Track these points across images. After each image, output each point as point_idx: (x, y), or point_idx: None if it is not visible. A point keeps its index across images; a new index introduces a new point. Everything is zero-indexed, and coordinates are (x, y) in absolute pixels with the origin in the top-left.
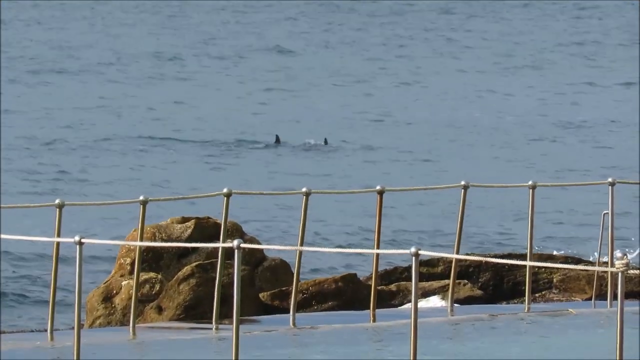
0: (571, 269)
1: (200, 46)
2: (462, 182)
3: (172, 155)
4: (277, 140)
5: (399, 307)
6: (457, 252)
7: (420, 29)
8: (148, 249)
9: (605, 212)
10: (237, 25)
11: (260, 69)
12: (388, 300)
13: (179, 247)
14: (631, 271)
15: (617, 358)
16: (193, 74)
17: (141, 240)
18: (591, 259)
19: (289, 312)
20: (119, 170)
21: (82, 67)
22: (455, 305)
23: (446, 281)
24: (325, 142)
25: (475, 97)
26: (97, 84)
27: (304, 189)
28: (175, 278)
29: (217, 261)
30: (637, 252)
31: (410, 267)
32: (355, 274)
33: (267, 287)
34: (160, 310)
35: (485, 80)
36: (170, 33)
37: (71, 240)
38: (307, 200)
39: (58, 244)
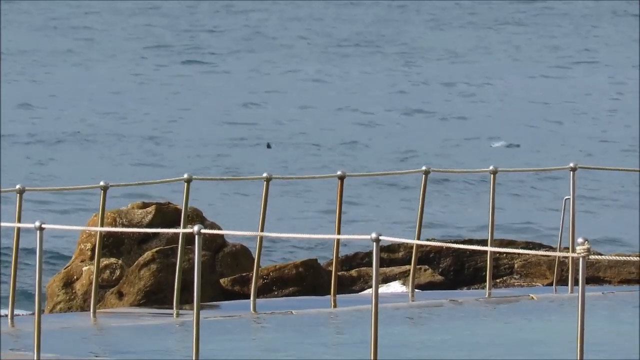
0: (532, 255)
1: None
2: (424, 167)
3: None
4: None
5: (360, 293)
6: (418, 238)
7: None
8: (108, 234)
9: (566, 197)
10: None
11: None
12: (349, 285)
13: (139, 233)
14: (592, 256)
15: (578, 343)
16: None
17: (102, 225)
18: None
19: (249, 297)
20: None
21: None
22: (416, 290)
23: (407, 267)
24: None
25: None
26: None
27: (264, 174)
28: (135, 263)
29: (177, 247)
30: None
31: (371, 253)
32: (316, 260)
33: (228, 273)
34: (120, 295)
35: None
36: None
37: (31, 225)
38: (267, 185)
39: (19, 229)
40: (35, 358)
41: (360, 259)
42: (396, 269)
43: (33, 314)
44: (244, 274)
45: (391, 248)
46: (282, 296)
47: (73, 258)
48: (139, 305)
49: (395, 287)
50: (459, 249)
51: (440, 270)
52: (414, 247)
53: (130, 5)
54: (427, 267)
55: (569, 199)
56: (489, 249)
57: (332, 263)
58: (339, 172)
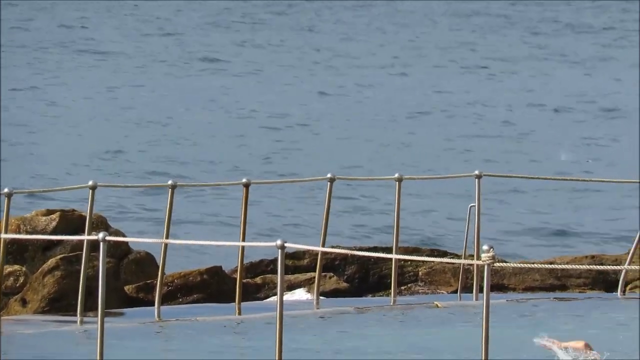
0: (437, 262)
1: None
2: (329, 175)
3: None
4: None
5: (265, 300)
6: (323, 245)
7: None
8: (12, 241)
9: (471, 204)
10: None
11: None
12: (254, 293)
13: (43, 240)
14: (497, 264)
15: (483, 350)
16: None
17: (5, 232)
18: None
19: (154, 304)
20: None
21: None
22: (321, 298)
23: (312, 274)
24: None
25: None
26: None
27: (169, 182)
28: (39, 270)
29: (82, 254)
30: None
31: (275, 260)
32: (220, 267)
33: (133, 280)
34: (24, 302)
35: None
36: None
37: None
38: (172, 192)
39: None
40: None
41: (265, 266)
42: (301, 276)
43: None
44: (148, 281)
45: (296, 255)
46: (186, 303)
47: None
48: (43, 312)
49: (300, 294)
50: (364, 256)
51: (345, 277)
52: (319, 255)
53: None
54: (332, 274)
55: (474, 206)
56: (393, 256)
57: (236, 270)
58: (244, 180)
